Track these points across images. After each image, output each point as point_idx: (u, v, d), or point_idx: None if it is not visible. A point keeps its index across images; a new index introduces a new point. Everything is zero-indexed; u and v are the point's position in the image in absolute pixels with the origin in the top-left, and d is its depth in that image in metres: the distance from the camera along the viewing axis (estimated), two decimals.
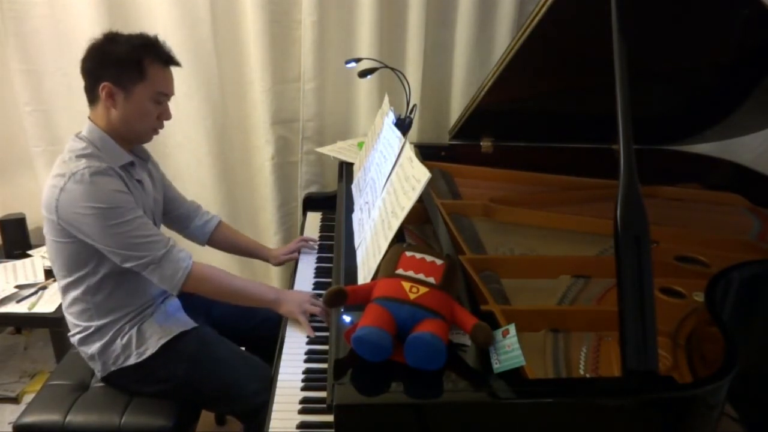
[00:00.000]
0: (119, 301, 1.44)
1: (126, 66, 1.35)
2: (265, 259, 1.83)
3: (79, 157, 1.34)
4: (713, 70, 1.71)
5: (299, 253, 1.82)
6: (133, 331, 1.44)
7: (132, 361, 1.43)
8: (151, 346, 1.43)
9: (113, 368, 1.45)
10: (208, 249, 1.80)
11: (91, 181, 1.30)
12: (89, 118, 1.41)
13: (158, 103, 1.41)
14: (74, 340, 1.48)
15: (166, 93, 1.43)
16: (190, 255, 1.41)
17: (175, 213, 1.71)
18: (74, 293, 1.42)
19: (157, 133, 1.47)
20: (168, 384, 1.45)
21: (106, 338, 1.44)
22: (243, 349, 1.57)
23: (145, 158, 1.55)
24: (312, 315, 1.43)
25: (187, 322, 1.51)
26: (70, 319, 1.48)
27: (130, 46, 1.35)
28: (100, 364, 1.46)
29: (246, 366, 1.46)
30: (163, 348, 1.43)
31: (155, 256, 1.35)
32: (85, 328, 1.45)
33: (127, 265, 1.35)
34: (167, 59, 1.41)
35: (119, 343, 1.44)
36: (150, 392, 1.46)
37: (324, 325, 1.41)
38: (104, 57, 1.35)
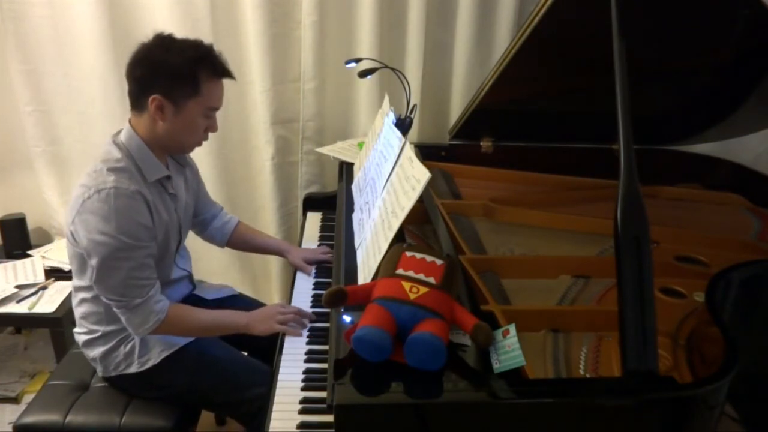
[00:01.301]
0: None
1: (180, 80, 1.28)
2: (283, 255, 1.76)
3: (111, 170, 1.29)
4: (714, 69, 1.71)
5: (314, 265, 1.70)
6: (137, 341, 1.42)
7: (133, 369, 1.42)
8: (153, 357, 1.42)
9: (114, 373, 1.44)
10: (206, 246, 1.79)
11: (114, 206, 1.25)
12: (129, 122, 1.36)
13: (208, 117, 1.37)
14: (78, 339, 1.48)
15: (218, 107, 1.39)
16: (165, 308, 1.36)
17: (200, 218, 1.69)
18: (84, 294, 1.42)
19: (200, 145, 1.43)
20: (169, 390, 1.44)
21: (110, 344, 1.43)
22: (245, 354, 1.57)
23: (183, 164, 1.52)
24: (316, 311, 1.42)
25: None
26: (78, 317, 1.47)
27: (185, 58, 1.28)
28: (101, 367, 1.46)
29: (247, 370, 1.46)
30: (165, 359, 1.42)
31: (129, 302, 1.31)
32: (91, 331, 1.44)
33: (100, 294, 1.33)
34: (223, 72, 1.35)
35: (122, 350, 1.43)
36: (151, 397, 1.46)
37: (324, 324, 1.40)
38: (157, 67, 1.28)
